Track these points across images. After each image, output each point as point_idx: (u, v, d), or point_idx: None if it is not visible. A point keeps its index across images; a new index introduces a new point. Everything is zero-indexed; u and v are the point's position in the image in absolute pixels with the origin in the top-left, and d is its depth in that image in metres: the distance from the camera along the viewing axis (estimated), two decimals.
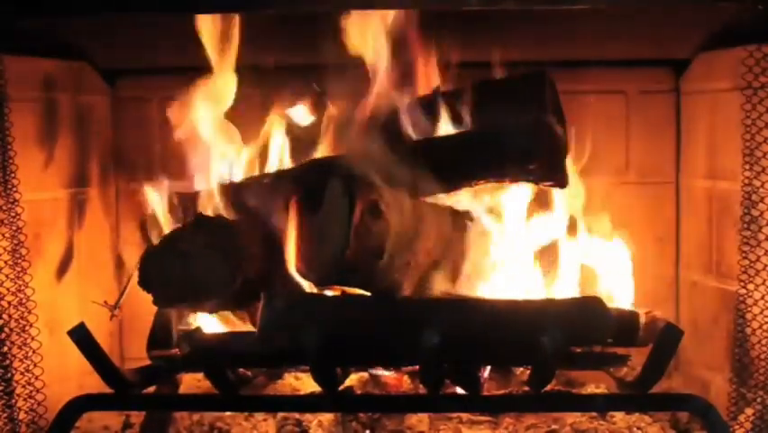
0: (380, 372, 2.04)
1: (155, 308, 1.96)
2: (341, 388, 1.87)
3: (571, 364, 2.00)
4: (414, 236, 1.88)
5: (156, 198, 2.03)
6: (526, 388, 1.83)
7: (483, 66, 2.15)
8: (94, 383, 1.81)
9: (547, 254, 2.08)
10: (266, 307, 1.75)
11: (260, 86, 2.12)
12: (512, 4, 1.84)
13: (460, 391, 1.84)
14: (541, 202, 2.09)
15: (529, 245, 2.07)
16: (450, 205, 2.02)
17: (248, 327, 1.96)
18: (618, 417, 2.01)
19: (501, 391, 2.03)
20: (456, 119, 2.05)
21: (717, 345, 2.04)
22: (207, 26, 1.98)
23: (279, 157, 2.13)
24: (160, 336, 1.99)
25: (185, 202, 2.05)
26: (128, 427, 2.06)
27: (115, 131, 2.37)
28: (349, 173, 1.84)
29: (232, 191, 2.02)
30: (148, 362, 1.99)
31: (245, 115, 2.14)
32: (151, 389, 1.96)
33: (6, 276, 1.85)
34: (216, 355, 1.77)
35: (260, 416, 2.01)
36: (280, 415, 1.99)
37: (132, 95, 2.36)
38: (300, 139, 2.14)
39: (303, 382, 2.13)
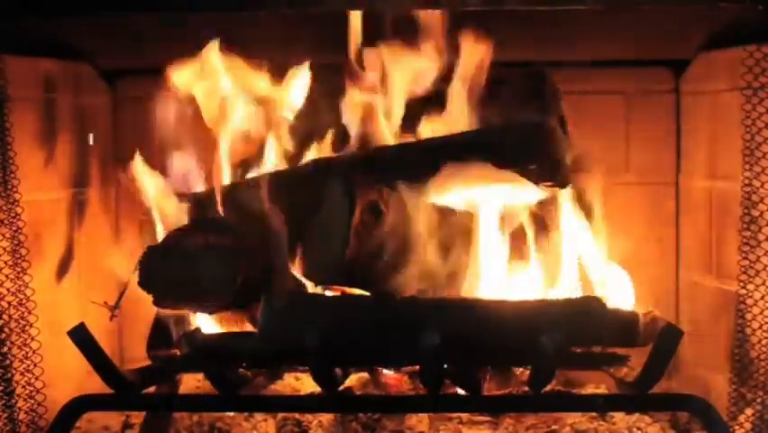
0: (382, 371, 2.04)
1: (155, 309, 1.96)
2: (341, 388, 1.87)
3: (571, 364, 2.00)
4: (414, 236, 1.88)
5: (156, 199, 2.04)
6: (526, 388, 1.83)
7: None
8: (94, 384, 1.81)
9: (547, 254, 2.08)
10: (266, 307, 1.75)
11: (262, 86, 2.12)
12: (512, 4, 1.84)
13: (460, 391, 1.84)
14: (541, 203, 2.09)
15: (529, 245, 2.07)
16: (450, 205, 2.02)
17: (248, 327, 1.96)
18: (618, 417, 2.01)
19: (501, 391, 2.03)
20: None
21: (717, 345, 2.04)
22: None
23: (280, 157, 2.13)
24: (159, 336, 1.99)
25: (186, 202, 2.05)
26: (128, 427, 2.06)
27: (115, 131, 2.37)
28: (349, 173, 1.84)
29: (232, 191, 2.02)
30: (148, 362, 1.99)
31: (246, 115, 2.14)
32: (151, 389, 1.96)
33: (6, 276, 1.85)
34: (216, 355, 1.77)
35: (260, 416, 2.01)
36: (280, 415, 1.99)
37: (132, 95, 2.36)
38: (301, 138, 2.14)
39: (303, 382, 2.13)
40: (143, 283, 1.87)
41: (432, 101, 2.09)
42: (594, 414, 2.00)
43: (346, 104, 2.09)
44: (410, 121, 2.08)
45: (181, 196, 2.07)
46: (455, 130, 2.03)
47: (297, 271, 1.91)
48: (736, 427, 1.86)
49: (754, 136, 1.83)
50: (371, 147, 2.06)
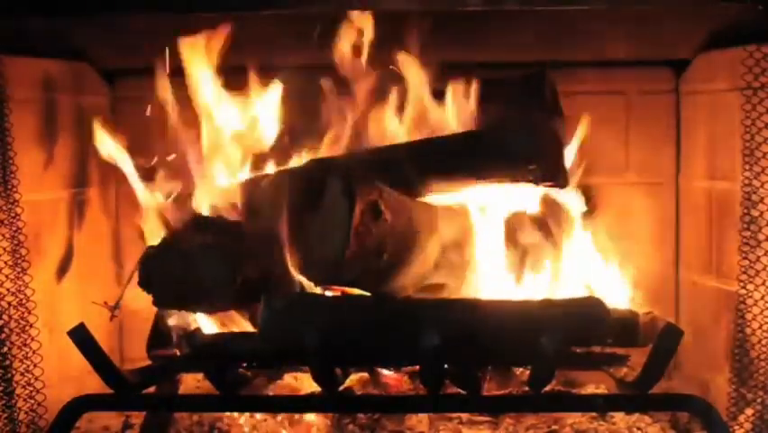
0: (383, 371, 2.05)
1: (155, 309, 1.96)
2: (341, 388, 1.87)
3: (571, 364, 2.00)
4: (414, 236, 1.88)
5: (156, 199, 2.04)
6: (526, 388, 1.83)
7: (483, 66, 2.15)
8: (94, 384, 1.81)
9: (547, 255, 2.08)
10: (266, 307, 1.75)
11: (262, 86, 2.12)
12: (512, 4, 1.84)
13: (460, 391, 1.84)
14: (541, 204, 2.09)
15: (529, 245, 2.07)
16: (450, 205, 2.02)
17: (248, 328, 1.96)
18: (618, 417, 2.01)
19: (501, 391, 2.03)
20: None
21: (717, 345, 2.04)
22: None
23: (280, 156, 2.13)
24: (159, 336, 1.99)
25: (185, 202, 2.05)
26: (128, 427, 2.06)
27: (115, 131, 2.37)
28: (349, 173, 1.84)
29: (232, 191, 2.02)
30: (148, 362, 1.99)
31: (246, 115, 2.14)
32: (151, 389, 1.96)
33: (6, 276, 1.85)
34: (216, 355, 1.77)
35: (260, 416, 2.01)
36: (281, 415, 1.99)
37: (132, 95, 2.35)
38: (301, 138, 2.14)
39: (303, 382, 2.13)
40: (143, 283, 1.87)
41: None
42: (594, 414, 2.00)
43: (345, 104, 2.09)
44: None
45: (178, 196, 2.07)
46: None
47: (296, 271, 1.90)
48: (736, 427, 1.86)
49: (754, 136, 1.83)
50: (371, 147, 2.07)
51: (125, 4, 1.83)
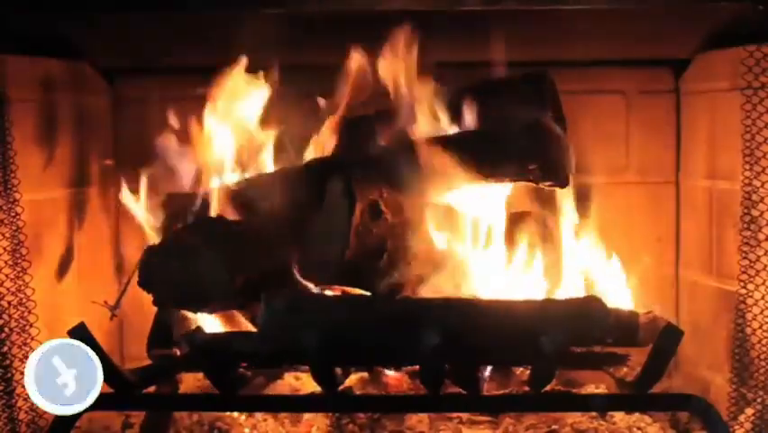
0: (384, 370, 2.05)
1: (155, 308, 1.96)
2: (341, 388, 1.87)
3: (571, 364, 2.00)
4: (414, 237, 1.88)
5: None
6: (526, 388, 1.83)
7: (483, 66, 2.15)
8: None
9: (547, 254, 2.08)
10: (266, 307, 1.75)
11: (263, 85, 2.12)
12: (512, 4, 1.84)
13: (460, 391, 1.84)
14: (541, 202, 2.09)
15: (529, 245, 2.07)
16: (450, 205, 2.02)
17: (248, 327, 1.96)
18: (618, 417, 2.01)
19: (501, 391, 2.03)
20: (456, 119, 2.05)
21: (717, 345, 2.04)
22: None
23: (280, 156, 2.13)
24: (159, 335, 1.99)
25: (186, 202, 2.05)
26: (128, 427, 2.06)
27: (115, 131, 2.37)
28: (349, 173, 1.84)
29: (232, 191, 2.02)
30: (148, 362, 1.99)
31: (246, 115, 2.14)
32: (151, 389, 1.96)
33: (6, 276, 1.85)
34: (216, 355, 1.77)
35: (260, 416, 2.01)
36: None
37: (132, 95, 2.36)
38: (301, 138, 2.14)
39: (303, 382, 2.13)
40: (143, 283, 1.87)
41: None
42: (594, 414, 2.00)
43: (345, 104, 2.09)
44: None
45: (178, 196, 2.07)
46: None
47: (296, 271, 1.91)
48: (736, 427, 1.86)
49: (755, 136, 1.83)
50: (371, 147, 2.06)
51: (125, 4, 1.83)
